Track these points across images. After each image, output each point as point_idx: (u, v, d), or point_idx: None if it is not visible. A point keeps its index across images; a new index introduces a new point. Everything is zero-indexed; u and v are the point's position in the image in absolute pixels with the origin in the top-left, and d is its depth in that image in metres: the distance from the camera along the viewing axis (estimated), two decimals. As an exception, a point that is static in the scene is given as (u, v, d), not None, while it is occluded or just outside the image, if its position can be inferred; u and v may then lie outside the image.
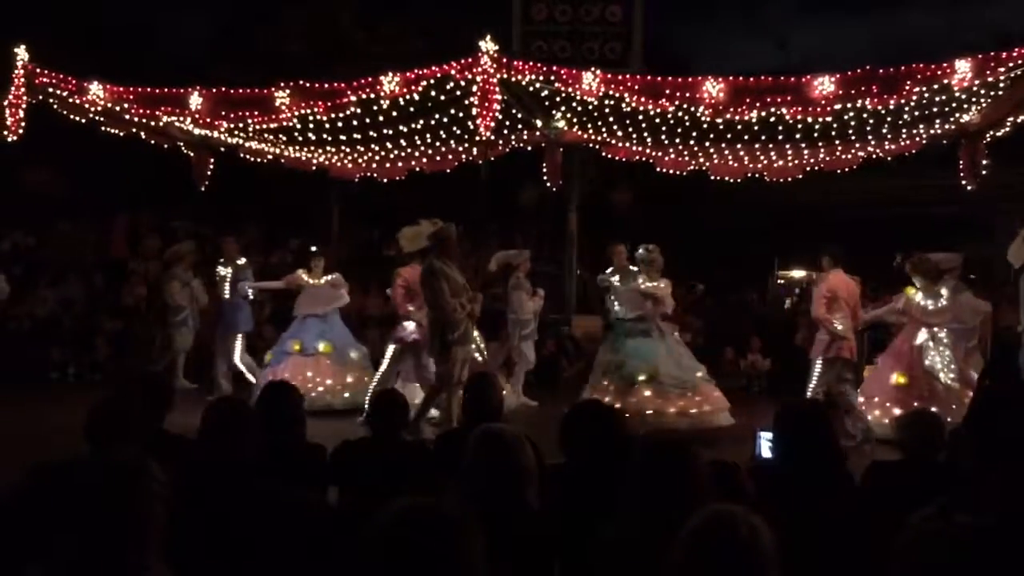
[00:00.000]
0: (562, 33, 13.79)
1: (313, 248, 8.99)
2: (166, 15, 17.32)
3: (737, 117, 7.13)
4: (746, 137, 7.94)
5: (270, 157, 9.99)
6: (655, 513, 2.27)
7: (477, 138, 8.41)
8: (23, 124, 7.87)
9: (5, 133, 7.86)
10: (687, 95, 7.02)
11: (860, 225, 14.52)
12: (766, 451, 3.70)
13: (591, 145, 8.95)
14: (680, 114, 7.28)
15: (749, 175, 9.41)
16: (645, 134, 8.20)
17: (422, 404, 7.00)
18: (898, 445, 3.53)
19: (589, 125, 8.15)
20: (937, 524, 1.68)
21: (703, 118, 7.28)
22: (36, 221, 12.45)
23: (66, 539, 1.72)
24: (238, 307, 8.99)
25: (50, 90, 8.17)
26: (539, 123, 8.07)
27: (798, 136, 7.82)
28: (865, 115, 7.14)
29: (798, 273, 17.19)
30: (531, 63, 7.33)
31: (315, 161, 10.14)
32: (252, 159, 10.10)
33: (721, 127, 7.52)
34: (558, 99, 7.50)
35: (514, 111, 7.76)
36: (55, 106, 8.38)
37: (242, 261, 9.08)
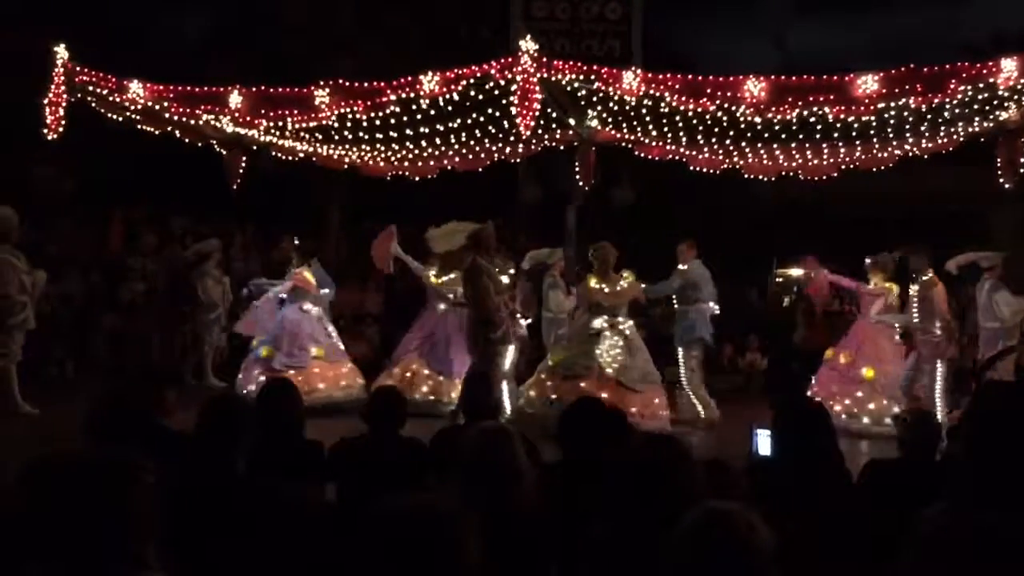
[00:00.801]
0: (562, 30, 13.79)
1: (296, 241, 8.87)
2: (163, 11, 17.27)
3: (779, 116, 7.09)
4: (784, 136, 7.86)
5: (302, 155, 10.00)
6: (648, 511, 2.27)
7: (512, 137, 8.46)
8: (63, 122, 7.89)
9: (46, 131, 7.88)
10: (728, 94, 6.99)
11: (857, 224, 14.55)
12: (763, 448, 3.71)
13: (624, 144, 8.92)
14: (720, 114, 7.22)
15: (783, 174, 9.36)
16: (681, 133, 8.16)
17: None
18: (896, 443, 3.53)
19: (624, 124, 8.12)
20: (956, 520, 1.68)
21: (745, 117, 7.22)
22: (40, 217, 12.44)
23: (59, 538, 1.72)
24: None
25: (90, 88, 8.17)
26: (572, 122, 7.99)
27: (836, 135, 7.77)
28: (906, 113, 7.08)
29: (796, 271, 17.19)
30: (571, 62, 7.28)
31: (347, 160, 10.15)
32: (284, 158, 10.10)
33: (759, 126, 7.46)
34: (594, 98, 7.46)
35: (548, 110, 7.72)
36: (92, 104, 8.39)
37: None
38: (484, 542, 1.72)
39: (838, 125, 7.33)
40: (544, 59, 7.04)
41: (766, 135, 7.83)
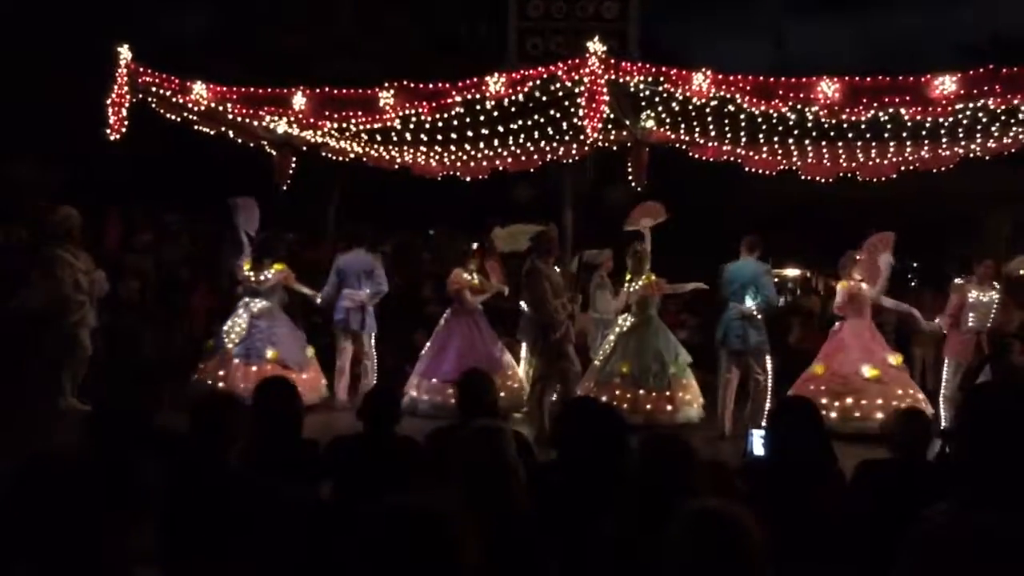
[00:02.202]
0: (558, 29, 13.78)
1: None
2: (162, 9, 17.22)
3: (853, 118, 7.05)
4: (850, 135, 7.82)
5: (352, 156, 10.00)
6: (653, 510, 2.28)
7: (567, 138, 8.48)
8: (126, 123, 7.91)
9: (108, 131, 7.90)
10: (801, 95, 6.95)
11: (853, 223, 14.56)
12: (758, 448, 3.72)
13: (677, 145, 8.90)
14: (789, 114, 7.18)
15: (841, 174, 9.32)
16: (742, 134, 8.12)
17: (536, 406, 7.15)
18: (887, 443, 3.55)
19: (683, 125, 8.10)
20: (956, 520, 1.69)
21: (818, 119, 7.18)
22: (29, 213, 12.41)
23: (54, 537, 1.72)
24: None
25: (152, 89, 8.20)
26: (627, 122, 7.94)
27: (904, 135, 7.71)
28: (980, 114, 7.00)
29: (792, 272, 17.24)
30: (639, 64, 7.25)
31: (398, 161, 10.16)
32: (334, 158, 10.11)
33: (827, 126, 7.42)
34: (657, 99, 7.42)
35: (605, 110, 7.70)
36: (153, 105, 8.41)
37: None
38: (480, 541, 1.72)
39: (908, 125, 7.25)
40: (612, 60, 7.01)
41: (832, 134, 7.77)
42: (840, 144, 8.29)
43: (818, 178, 9.43)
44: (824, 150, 8.58)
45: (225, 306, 11.49)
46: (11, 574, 1.73)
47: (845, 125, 7.34)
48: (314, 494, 3.44)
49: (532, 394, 7.23)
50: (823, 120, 7.18)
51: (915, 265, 18.20)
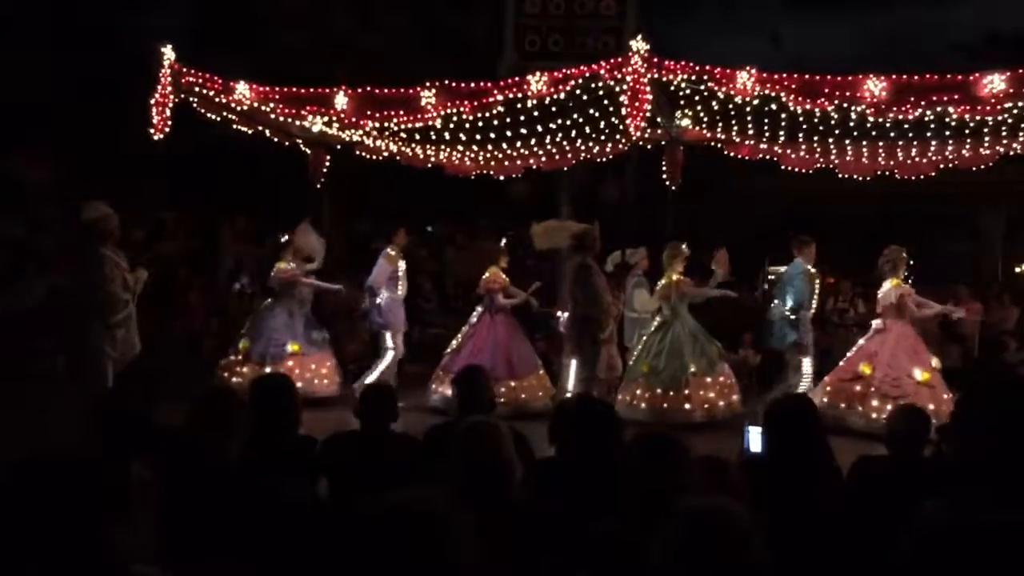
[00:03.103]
0: (556, 27, 13.77)
1: (285, 237, 8.84)
2: (158, 6, 17.18)
3: (900, 117, 6.99)
4: (892, 134, 7.78)
5: (386, 155, 10.00)
6: (648, 507, 2.28)
7: (603, 136, 8.44)
8: (169, 123, 7.96)
9: (151, 131, 7.94)
10: (847, 94, 6.90)
11: (850, 222, 14.59)
12: (755, 445, 3.72)
13: (713, 143, 8.86)
14: (833, 112, 7.13)
15: (878, 172, 9.27)
16: (781, 133, 8.08)
17: None
18: (884, 440, 3.55)
19: (720, 123, 8.05)
20: (956, 518, 1.69)
21: (864, 117, 7.13)
22: (25, 210, 12.38)
23: (54, 535, 1.71)
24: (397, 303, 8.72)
25: (196, 89, 8.24)
26: (661, 120, 7.90)
27: (948, 133, 7.64)
28: None
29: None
30: (683, 62, 7.17)
31: (432, 159, 10.15)
32: (369, 157, 10.11)
33: (869, 124, 7.37)
34: (697, 97, 7.39)
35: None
36: (195, 104, 8.45)
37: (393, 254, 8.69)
38: (477, 537, 1.72)
39: (952, 124, 7.20)
40: (655, 59, 6.97)
41: (874, 133, 7.71)
42: (881, 143, 8.21)
43: (856, 176, 9.32)
44: (864, 148, 8.51)
45: (223, 303, 11.49)
46: (18, 573, 1.72)
47: (887, 123, 7.27)
48: (312, 491, 3.44)
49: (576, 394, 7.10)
50: (868, 118, 7.11)
51: (911, 263, 18.23)
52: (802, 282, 7.94)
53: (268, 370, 8.05)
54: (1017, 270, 15.69)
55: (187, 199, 12.70)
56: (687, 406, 7.59)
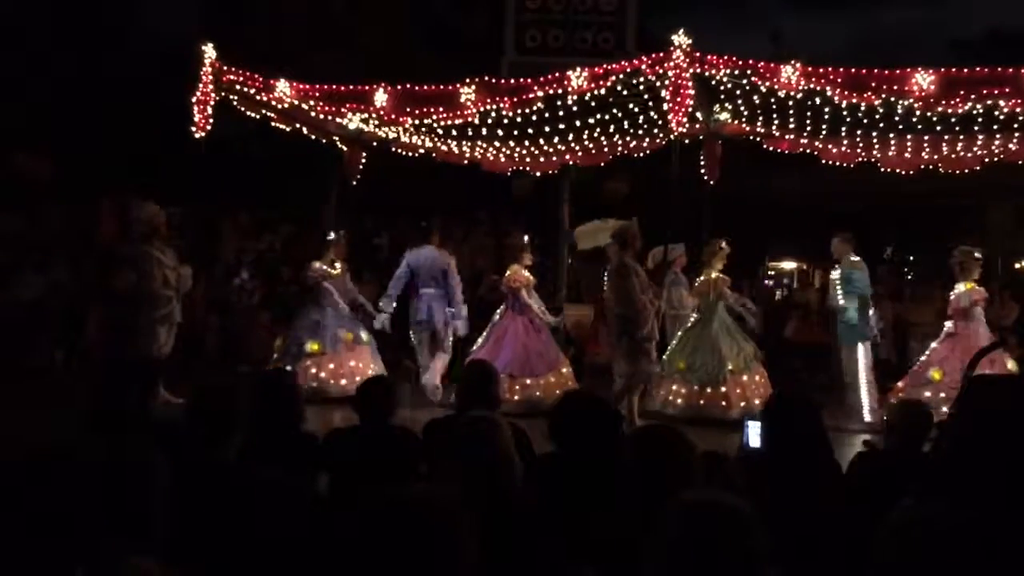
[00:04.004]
0: (555, 22, 13.75)
1: (332, 235, 8.86)
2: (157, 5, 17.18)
3: (949, 110, 6.93)
4: (939, 128, 7.69)
5: (421, 151, 9.99)
6: (649, 502, 2.28)
7: (640, 132, 8.41)
8: (211, 121, 8.02)
9: (193, 129, 8.01)
10: (895, 88, 6.81)
11: (848, 219, 14.56)
12: (754, 440, 3.72)
13: (751, 137, 8.82)
14: (879, 106, 7.06)
15: (921, 167, 9.18)
16: (823, 126, 8.01)
17: (614, 403, 7.03)
18: (884, 435, 3.55)
19: (761, 117, 7.99)
20: (913, 515, 1.69)
21: (911, 111, 7.07)
22: (23, 204, 12.39)
23: (58, 527, 1.72)
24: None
25: (236, 87, 8.28)
26: (699, 115, 7.82)
27: (995, 127, 7.54)
28: None
29: (788, 265, 17.24)
30: (726, 57, 7.11)
31: (468, 155, 10.15)
32: (404, 153, 10.11)
33: (915, 119, 7.31)
34: (738, 92, 7.32)
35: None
36: (234, 102, 8.50)
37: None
38: (477, 533, 1.72)
39: (1001, 117, 7.12)
40: (697, 54, 6.92)
41: (919, 127, 7.64)
42: (926, 137, 8.11)
43: (899, 171, 9.17)
44: (908, 142, 8.40)
45: (223, 299, 11.48)
46: (6, 562, 1.72)
47: (933, 117, 7.20)
48: (312, 486, 3.44)
49: (618, 394, 7.11)
50: (915, 111, 7.03)
51: (911, 259, 18.23)
52: (861, 274, 7.85)
53: (288, 369, 8.10)
54: (1017, 266, 15.68)
55: (188, 194, 12.69)
56: (724, 403, 7.55)
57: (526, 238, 8.50)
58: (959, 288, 7.54)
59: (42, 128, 13.34)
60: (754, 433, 3.66)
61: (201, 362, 10.17)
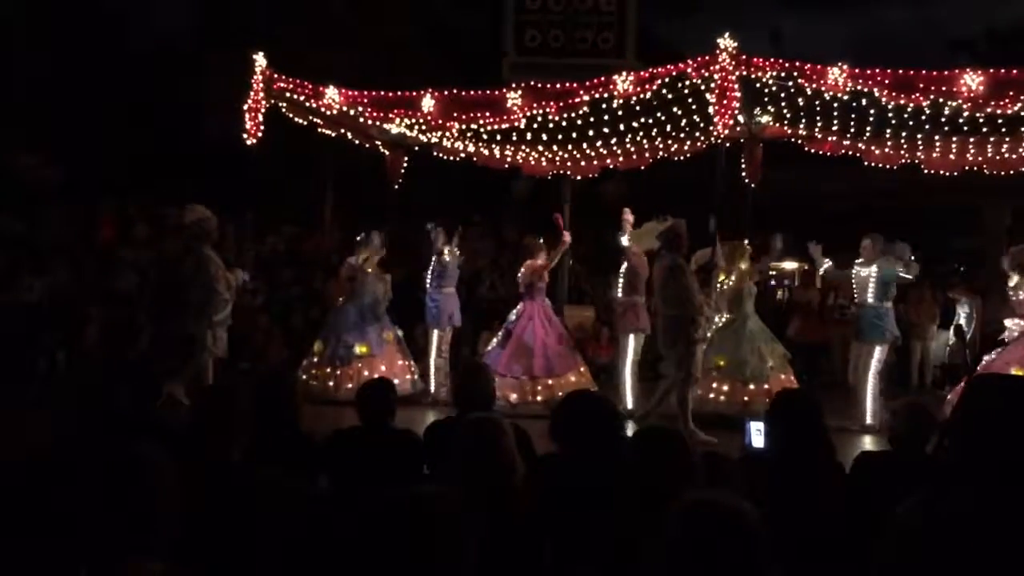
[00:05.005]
0: (555, 22, 13.77)
1: (361, 236, 8.89)
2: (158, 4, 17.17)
3: (998, 111, 6.88)
4: (984, 129, 7.65)
5: (463, 156, 10.03)
6: (651, 503, 2.27)
7: (683, 135, 8.42)
8: (262, 128, 8.12)
9: (245, 136, 8.10)
10: (943, 88, 6.79)
11: (848, 218, 14.55)
12: (756, 441, 3.72)
13: (793, 140, 8.80)
14: (932, 108, 7.01)
15: (966, 168, 9.03)
16: (868, 128, 7.96)
17: (655, 400, 7.11)
18: (888, 436, 3.55)
19: (803, 119, 7.97)
20: (915, 517, 1.69)
21: (958, 112, 7.03)
22: (25, 206, 12.39)
23: (63, 527, 1.72)
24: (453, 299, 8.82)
25: (287, 95, 8.38)
26: (741, 118, 7.71)
27: None
28: None
29: (789, 265, 17.17)
30: (772, 59, 7.09)
31: (510, 159, 10.17)
32: (445, 158, 10.14)
33: (962, 119, 7.25)
34: (783, 94, 7.29)
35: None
36: (283, 109, 8.59)
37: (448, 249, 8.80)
38: (479, 533, 1.72)
39: None
40: (743, 56, 6.90)
41: (966, 128, 7.60)
42: (972, 138, 8.05)
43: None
44: (953, 144, 8.35)
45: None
46: (10, 561, 1.72)
47: (981, 118, 7.16)
48: (312, 488, 3.44)
49: (669, 396, 7.10)
50: (962, 112, 6.99)
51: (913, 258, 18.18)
52: (895, 274, 7.82)
53: (339, 373, 8.11)
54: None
55: (190, 195, 12.69)
56: (768, 400, 7.52)
57: (541, 240, 8.57)
58: None
59: (44, 130, 13.35)
60: (756, 433, 3.66)
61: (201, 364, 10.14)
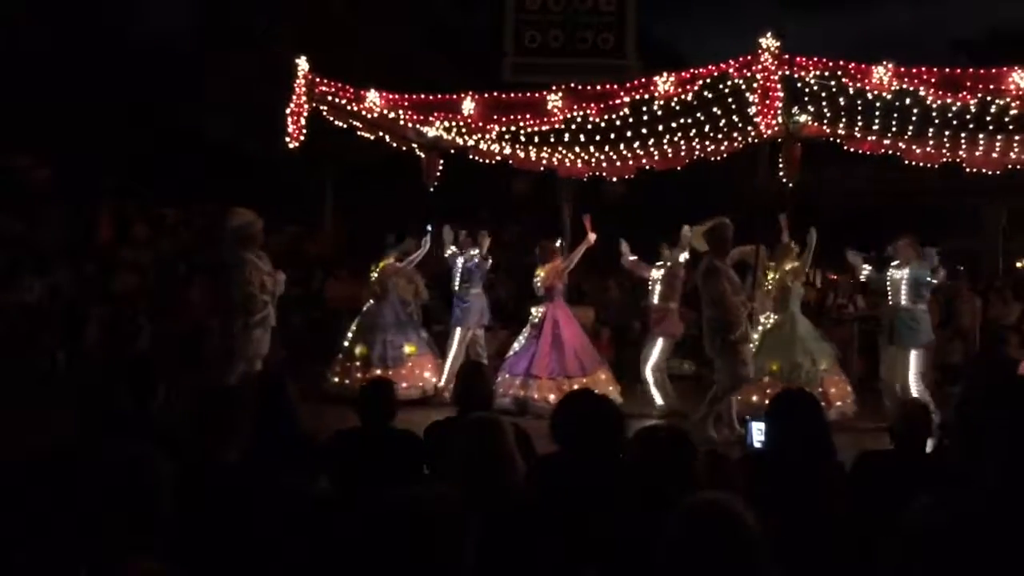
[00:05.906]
0: (555, 22, 13.78)
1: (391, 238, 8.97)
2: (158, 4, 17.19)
3: None
4: None
5: (499, 158, 10.05)
6: (652, 503, 2.27)
7: (720, 135, 8.41)
8: (304, 131, 8.14)
9: (287, 140, 8.14)
10: (991, 87, 6.73)
11: (847, 217, 14.56)
12: (757, 441, 3.72)
13: (831, 139, 8.77)
14: (978, 107, 6.94)
15: (1010, 167, 8.91)
16: (910, 127, 7.86)
17: (708, 405, 7.03)
18: (889, 435, 3.54)
19: (844, 118, 7.89)
20: (925, 518, 1.69)
21: (1008, 110, 6.95)
22: (23, 207, 12.39)
23: (59, 527, 1.72)
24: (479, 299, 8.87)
25: (328, 98, 8.40)
26: (780, 118, 7.53)
27: None
28: None
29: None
30: (815, 58, 7.00)
31: (546, 161, 10.18)
32: (481, 160, 10.15)
33: (1007, 118, 7.17)
34: (824, 93, 7.24)
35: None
36: (324, 112, 8.61)
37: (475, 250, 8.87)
38: (478, 533, 1.72)
39: None
40: (786, 56, 6.85)
41: (1011, 127, 7.53)
42: (1018, 136, 7.97)
43: (986, 171, 9.02)
44: (998, 142, 8.26)
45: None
46: (10, 562, 1.72)
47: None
48: (313, 488, 3.44)
49: (714, 397, 7.07)
50: (1010, 111, 6.93)
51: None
52: (930, 277, 7.78)
53: (390, 374, 8.02)
54: (1019, 264, 15.68)
55: (189, 195, 12.69)
56: (823, 403, 7.47)
57: (559, 242, 8.58)
58: None
59: (42, 130, 13.34)
60: (757, 433, 3.66)
61: (203, 364, 10.15)
